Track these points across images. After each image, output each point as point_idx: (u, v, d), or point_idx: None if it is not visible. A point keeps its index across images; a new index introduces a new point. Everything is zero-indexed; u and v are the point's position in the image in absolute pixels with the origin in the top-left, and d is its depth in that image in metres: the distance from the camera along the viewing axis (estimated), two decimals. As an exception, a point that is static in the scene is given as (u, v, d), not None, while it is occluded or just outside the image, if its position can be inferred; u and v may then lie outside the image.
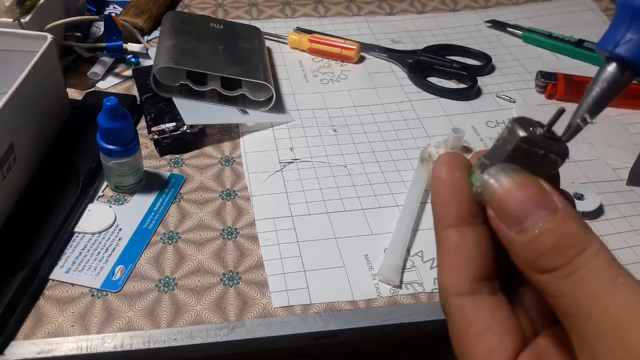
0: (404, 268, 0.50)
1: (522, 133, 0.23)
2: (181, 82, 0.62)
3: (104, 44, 0.68)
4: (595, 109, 0.25)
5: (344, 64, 0.74)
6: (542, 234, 0.21)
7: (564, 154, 0.24)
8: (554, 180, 0.24)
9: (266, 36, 0.76)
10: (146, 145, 0.60)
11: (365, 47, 0.75)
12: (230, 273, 0.49)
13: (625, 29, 0.25)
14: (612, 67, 0.25)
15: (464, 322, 0.24)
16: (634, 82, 0.78)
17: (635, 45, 0.24)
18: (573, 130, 0.25)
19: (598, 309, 0.20)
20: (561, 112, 0.24)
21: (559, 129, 0.25)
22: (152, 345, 0.44)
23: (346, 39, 0.75)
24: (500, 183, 0.23)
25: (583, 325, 0.21)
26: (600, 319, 0.20)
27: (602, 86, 0.25)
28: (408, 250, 0.52)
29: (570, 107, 0.25)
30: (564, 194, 0.24)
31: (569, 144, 0.25)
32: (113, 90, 0.67)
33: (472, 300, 0.24)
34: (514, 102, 0.69)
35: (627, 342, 0.20)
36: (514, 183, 0.22)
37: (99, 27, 0.75)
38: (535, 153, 0.24)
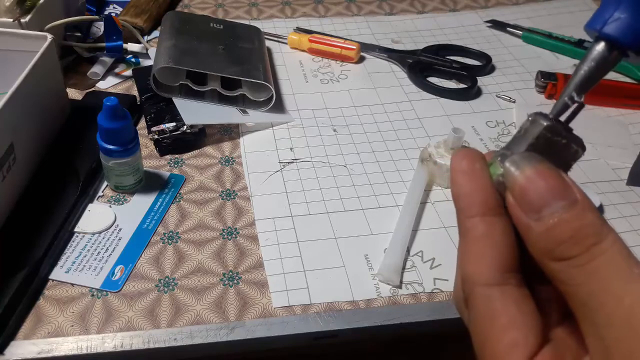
0: (404, 268, 0.50)
1: (546, 122, 0.24)
2: (181, 82, 0.62)
3: (104, 44, 0.68)
4: (583, 88, 0.26)
5: (344, 64, 0.74)
6: (561, 223, 0.22)
7: (583, 147, 0.25)
8: None
9: (266, 36, 0.76)
10: (146, 145, 0.60)
11: (365, 47, 0.75)
12: (230, 273, 0.49)
13: (613, 8, 0.25)
14: (600, 47, 0.25)
15: (489, 314, 0.24)
16: (634, 82, 0.78)
17: (623, 24, 0.25)
18: (560, 108, 0.26)
19: (611, 298, 0.20)
20: (580, 107, 0.24)
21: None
22: (152, 345, 0.44)
23: (346, 39, 0.75)
24: (523, 171, 0.23)
25: (595, 315, 0.21)
26: (613, 308, 0.20)
27: (590, 65, 0.26)
28: (408, 250, 0.52)
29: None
30: None
31: None
32: (113, 90, 0.67)
33: (499, 291, 0.24)
34: (514, 102, 0.69)
35: (639, 333, 0.20)
36: (536, 171, 0.23)
37: (99, 27, 0.75)
38: (558, 142, 0.24)
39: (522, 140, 0.25)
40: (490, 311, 0.23)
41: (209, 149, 0.61)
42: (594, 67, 0.25)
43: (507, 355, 0.23)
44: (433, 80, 0.72)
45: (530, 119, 0.25)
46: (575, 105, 0.25)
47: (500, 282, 0.24)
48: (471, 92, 0.70)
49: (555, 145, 0.24)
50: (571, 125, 0.26)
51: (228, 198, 0.56)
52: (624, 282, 0.21)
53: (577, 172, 0.61)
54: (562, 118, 0.25)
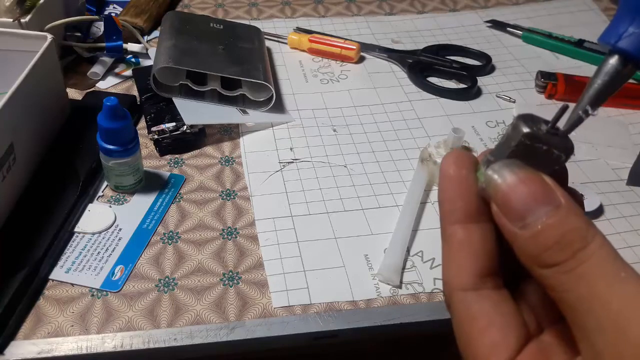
0: (404, 268, 0.50)
1: (525, 129, 0.24)
2: (181, 82, 0.62)
3: (104, 44, 0.68)
4: (596, 102, 0.26)
5: (344, 64, 0.74)
6: (545, 229, 0.22)
7: (568, 150, 0.24)
8: (561, 177, 0.25)
9: (266, 36, 0.76)
10: (146, 145, 0.60)
11: (365, 47, 0.75)
12: (230, 273, 0.49)
13: (628, 22, 0.25)
14: (614, 60, 0.25)
15: (468, 317, 0.24)
16: (634, 82, 0.78)
17: (638, 39, 0.25)
18: (574, 122, 0.26)
19: (600, 303, 0.20)
20: (564, 108, 0.24)
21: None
22: (152, 345, 0.44)
23: (346, 39, 0.75)
24: (504, 179, 0.23)
25: (585, 320, 0.21)
26: (602, 313, 0.20)
27: (604, 79, 0.26)
28: (408, 250, 0.52)
29: (571, 107, 0.25)
30: (573, 192, 0.25)
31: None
32: (113, 90, 0.67)
33: (476, 295, 0.24)
34: (514, 102, 0.69)
35: (628, 337, 0.20)
36: (517, 178, 0.23)
37: (99, 27, 0.75)
38: (539, 149, 0.24)
39: (504, 147, 0.24)
40: (469, 314, 0.24)
41: (209, 149, 0.61)
42: (608, 81, 0.26)
43: (489, 356, 0.23)
44: (433, 80, 0.72)
45: (513, 123, 0.25)
46: (561, 105, 0.25)
47: (476, 287, 0.24)
48: (471, 92, 0.70)
49: (536, 152, 0.24)
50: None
51: (228, 198, 0.56)
52: (611, 286, 0.20)
53: (577, 172, 0.61)
54: (549, 119, 0.25)
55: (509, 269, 0.25)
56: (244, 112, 0.64)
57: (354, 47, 0.73)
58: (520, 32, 0.80)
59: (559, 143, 0.24)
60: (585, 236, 0.21)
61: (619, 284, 0.20)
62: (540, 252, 0.22)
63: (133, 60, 0.72)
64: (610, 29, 0.25)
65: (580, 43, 0.77)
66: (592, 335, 0.21)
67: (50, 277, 0.48)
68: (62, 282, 0.48)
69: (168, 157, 0.60)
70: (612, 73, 0.25)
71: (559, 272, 0.21)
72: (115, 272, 0.49)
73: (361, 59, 0.75)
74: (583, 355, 0.21)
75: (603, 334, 0.20)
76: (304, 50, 0.76)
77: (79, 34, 0.72)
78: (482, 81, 0.72)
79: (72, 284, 0.48)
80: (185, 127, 0.60)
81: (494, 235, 0.25)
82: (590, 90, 0.26)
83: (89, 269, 0.49)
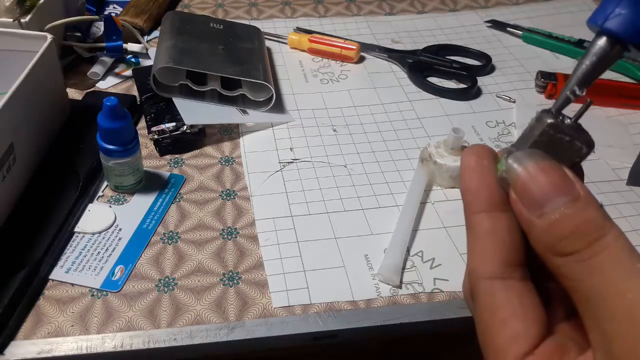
0: (404, 268, 0.50)
1: (549, 119, 0.25)
2: (181, 82, 0.62)
3: (104, 44, 0.68)
4: (584, 82, 0.26)
5: (344, 64, 0.74)
6: (563, 219, 0.22)
7: (589, 144, 0.25)
8: (578, 173, 0.25)
9: (266, 36, 0.76)
10: (146, 145, 0.60)
11: (365, 47, 0.75)
12: (230, 273, 0.49)
13: (615, 4, 0.25)
14: (602, 42, 0.26)
15: (492, 306, 0.24)
16: (634, 82, 0.77)
17: (624, 19, 0.25)
18: (562, 102, 0.26)
19: (614, 293, 0.21)
20: (589, 104, 0.25)
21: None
22: (152, 345, 0.44)
23: (346, 39, 0.75)
24: (525, 167, 0.23)
25: (598, 310, 0.21)
26: (616, 303, 0.20)
27: (592, 60, 0.26)
28: (408, 250, 0.52)
29: (579, 105, 0.26)
30: None
31: None
32: (113, 90, 0.67)
33: (502, 284, 0.24)
34: (514, 102, 0.69)
35: None
36: (538, 168, 0.23)
37: (99, 27, 0.75)
38: (562, 140, 0.25)
39: (527, 138, 0.25)
40: (492, 303, 0.24)
41: (209, 149, 0.61)
42: (596, 61, 0.26)
43: (509, 347, 0.23)
44: (433, 80, 0.72)
45: (537, 115, 0.25)
46: (586, 102, 0.25)
47: (503, 276, 0.24)
48: (471, 92, 0.70)
49: (559, 143, 0.25)
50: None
51: (228, 198, 0.56)
52: (626, 277, 0.21)
53: (577, 172, 0.61)
54: (571, 115, 0.25)
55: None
56: (244, 112, 0.64)
57: (354, 47, 0.73)
58: (520, 32, 0.80)
59: (581, 136, 0.25)
60: (602, 227, 0.21)
61: (634, 275, 0.21)
62: (556, 241, 0.22)
63: (133, 60, 0.72)
64: (598, 11, 0.26)
65: (580, 43, 0.77)
66: (604, 325, 0.21)
67: (50, 277, 0.48)
68: (62, 282, 0.48)
69: (168, 157, 0.60)
70: (600, 54, 0.26)
71: (573, 261, 0.22)
72: (115, 272, 0.49)
73: (361, 59, 0.75)
74: (593, 345, 0.22)
75: (615, 324, 0.20)
76: (304, 50, 0.76)
77: (79, 34, 0.72)
78: (482, 81, 0.72)
79: (72, 284, 0.48)
80: (185, 127, 0.60)
81: (518, 225, 0.25)
82: (578, 71, 0.26)
83: (89, 269, 0.49)
